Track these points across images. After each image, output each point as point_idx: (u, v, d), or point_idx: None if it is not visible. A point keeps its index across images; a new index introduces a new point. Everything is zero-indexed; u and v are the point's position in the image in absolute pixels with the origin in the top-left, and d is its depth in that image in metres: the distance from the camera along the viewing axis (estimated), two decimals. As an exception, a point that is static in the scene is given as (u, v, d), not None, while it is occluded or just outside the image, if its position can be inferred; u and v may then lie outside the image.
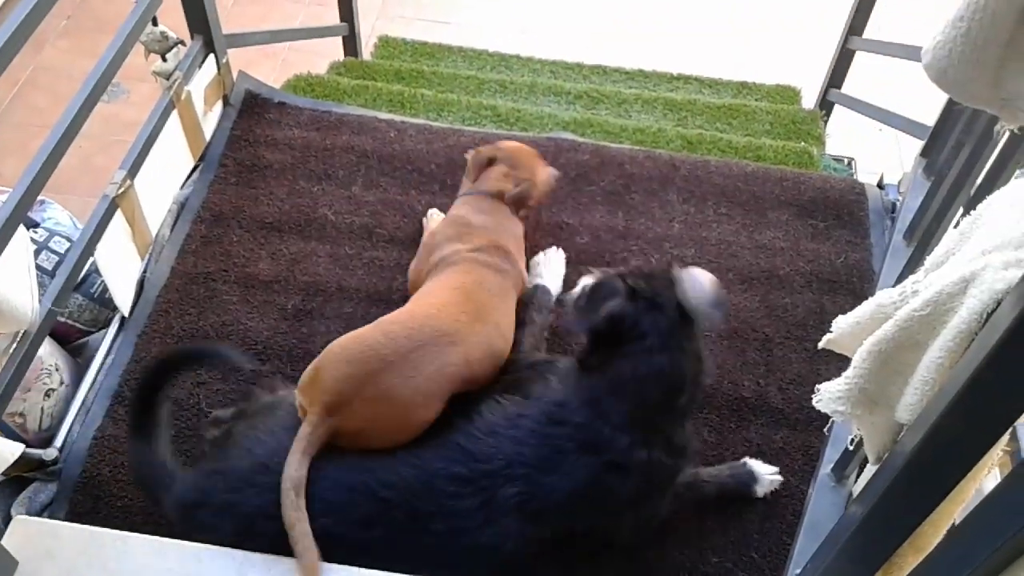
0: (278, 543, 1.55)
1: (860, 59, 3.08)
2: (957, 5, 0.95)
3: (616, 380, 1.65)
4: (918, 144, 2.48)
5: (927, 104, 2.37)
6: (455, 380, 1.75)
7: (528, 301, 2.11)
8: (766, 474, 1.93)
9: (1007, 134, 1.53)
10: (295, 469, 1.58)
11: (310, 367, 1.71)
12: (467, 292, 1.89)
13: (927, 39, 1.00)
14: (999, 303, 0.96)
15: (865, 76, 3.20)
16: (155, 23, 2.27)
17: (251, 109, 2.66)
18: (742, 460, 1.96)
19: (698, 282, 1.66)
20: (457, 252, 1.99)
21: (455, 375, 1.74)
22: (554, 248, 2.29)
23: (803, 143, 2.97)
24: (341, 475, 1.62)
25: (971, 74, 0.97)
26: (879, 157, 2.96)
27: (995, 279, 0.98)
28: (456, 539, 1.59)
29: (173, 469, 1.72)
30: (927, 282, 1.15)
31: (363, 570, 1.56)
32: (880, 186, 2.61)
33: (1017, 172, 1.42)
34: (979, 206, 1.16)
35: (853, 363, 1.21)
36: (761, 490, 1.92)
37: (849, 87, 3.17)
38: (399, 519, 1.59)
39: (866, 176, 2.77)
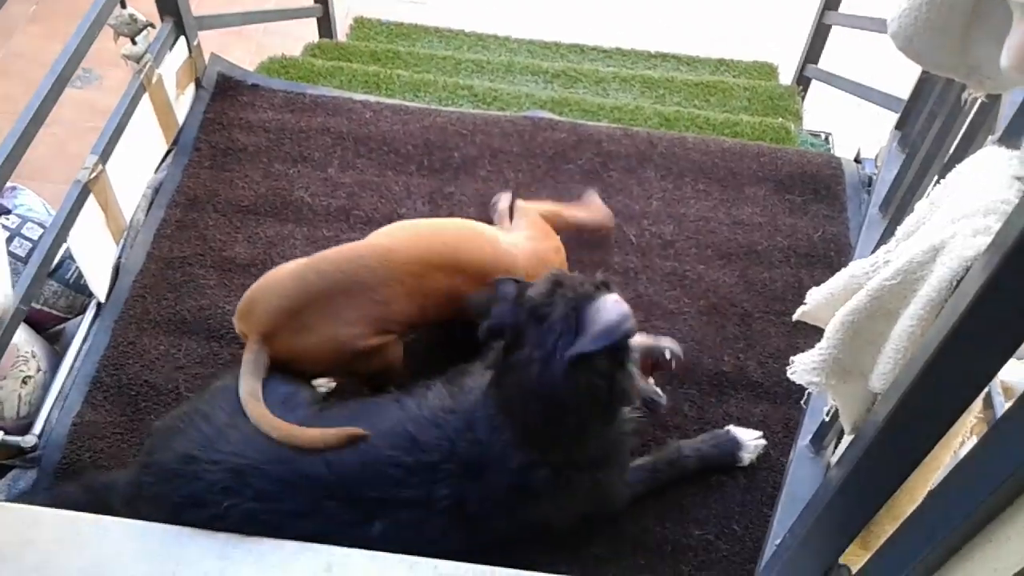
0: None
1: (836, 34, 3.08)
2: (921, -29, 0.95)
3: (504, 394, 1.61)
4: (894, 118, 2.49)
5: (903, 78, 2.38)
6: (380, 319, 1.80)
7: None
8: (750, 440, 1.95)
9: (977, 102, 1.53)
10: (248, 386, 1.68)
11: (246, 295, 1.83)
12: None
13: (892, 7, 1.00)
14: (968, 270, 0.97)
15: (842, 51, 3.21)
16: (124, 5, 2.24)
17: (224, 92, 2.64)
18: (725, 428, 1.97)
19: (599, 307, 1.55)
20: None
21: (379, 315, 1.80)
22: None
23: (780, 119, 2.97)
24: (270, 467, 1.60)
25: (937, 42, 0.97)
26: (857, 132, 2.96)
27: (964, 246, 0.98)
28: (399, 532, 1.59)
29: (108, 481, 1.75)
30: (898, 252, 1.15)
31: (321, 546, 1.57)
32: (857, 160, 2.62)
33: (988, 140, 1.42)
34: (948, 175, 1.17)
35: (826, 334, 1.21)
36: (747, 456, 1.93)
37: (826, 62, 3.17)
38: (340, 511, 1.59)
39: (845, 151, 2.77)
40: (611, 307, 1.54)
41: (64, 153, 3.36)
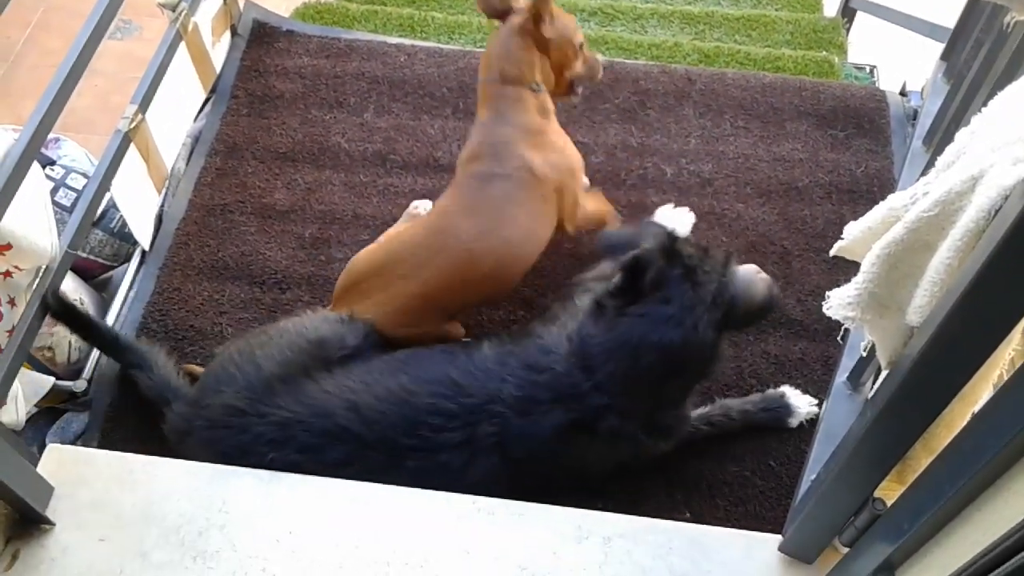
0: None
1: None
2: None
3: (617, 338, 1.58)
4: (941, 49, 2.42)
5: (950, 7, 2.30)
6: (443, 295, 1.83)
7: None
8: (803, 407, 1.92)
9: (1019, 27, 1.48)
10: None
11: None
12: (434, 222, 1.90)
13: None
14: (1007, 199, 0.94)
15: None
16: (158, -47, 2.24)
17: (259, 39, 2.64)
18: (780, 391, 1.94)
19: (750, 281, 1.60)
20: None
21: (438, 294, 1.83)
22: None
23: (824, 52, 2.90)
24: (312, 422, 1.63)
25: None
26: (904, 64, 2.88)
27: (1003, 175, 0.96)
28: (437, 475, 1.61)
29: (177, 386, 1.80)
30: (937, 183, 1.13)
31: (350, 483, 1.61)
32: (903, 93, 2.55)
33: (1032, 67, 1.38)
34: (989, 103, 1.13)
35: (863, 268, 1.20)
36: (795, 421, 1.91)
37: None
38: (378, 459, 1.62)
39: (891, 84, 2.70)
40: (761, 285, 1.61)
41: (107, 104, 3.40)
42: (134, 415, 1.96)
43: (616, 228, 1.93)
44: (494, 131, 1.90)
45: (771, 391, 1.95)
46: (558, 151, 1.93)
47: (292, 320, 1.81)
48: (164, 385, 1.83)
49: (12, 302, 1.76)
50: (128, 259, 2.24)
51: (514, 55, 1.90)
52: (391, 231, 2.05)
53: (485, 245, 1.81)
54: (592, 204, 2.05)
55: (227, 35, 2.60)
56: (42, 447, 1.76)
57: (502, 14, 1.94)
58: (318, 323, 1.77)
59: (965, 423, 1.22)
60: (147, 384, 1.85)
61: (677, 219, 2.12)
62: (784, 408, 1.91)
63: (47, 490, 1.56)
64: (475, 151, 1.91)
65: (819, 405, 1.92)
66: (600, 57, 2.04)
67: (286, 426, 1.62)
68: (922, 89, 2.49)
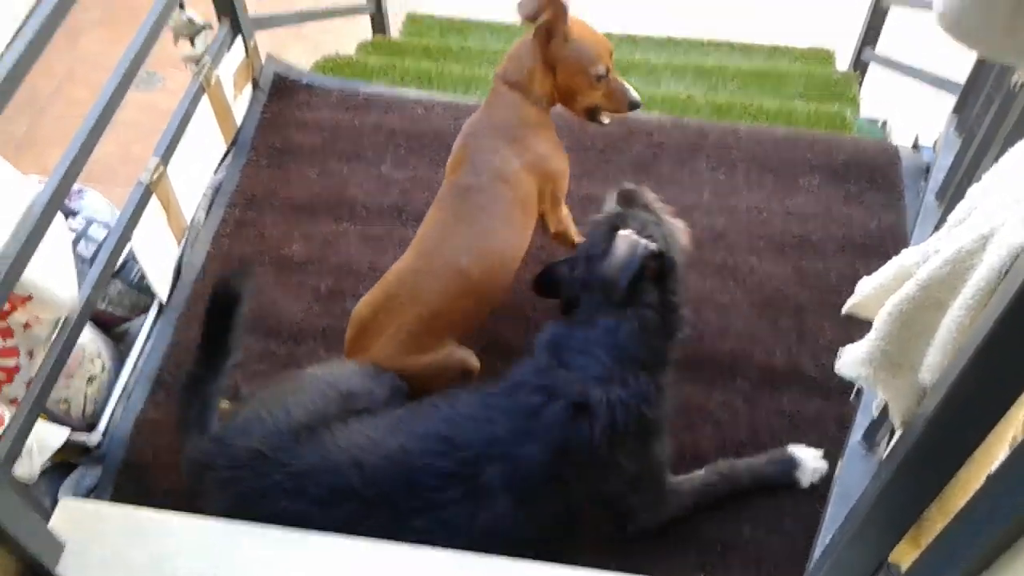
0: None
1: (895, 17, 3.01)
2: (965, -47, 0.92)
3: (580, 328, 1.70)
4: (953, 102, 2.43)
5: (963, 61, 2.32)
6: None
7: None
8: (809, 459, 1.89)
9: (1028, 87, 1.49)
10: None
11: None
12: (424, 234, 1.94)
13: (939, -10, 0.98)
14: (1017, 258, 0.95)
15: (900, 34, 3.13)
16: (182, 8, 2.29)
17: (280, 91, 2.69)
18: (784, 448, 1.92)
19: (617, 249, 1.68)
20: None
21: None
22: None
23: (837, 105, 2.92)
24: (323, 476, 1.63)
25: (983, 22, 0.94)
26: (917, 118, 2.89)
27: (1014, 234, 0.96)
28: (444, 532, 1.60)
29: (207, 418, 1.76)
30: (948, 240, 1.13)
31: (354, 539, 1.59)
32: (915, 147, 2.56)
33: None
34: (1001, 160, 1.14)
35: (875, 325, 1.20)
36: (805, 477, 1.89)
37: (884, 46, 3.10)
38: (382, 519, 1.61)
39: (903, 138, 2.71)
40: (622, 245, 1.67)
41: (129, 155, 3.47)
42: (148, 469, 1.97)
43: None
44: (477, 131, 1.97)
45: (775, 450, 1.93)
46: (538, 155, 1.95)
47: (322, 368, 1.82)
48: (206, 410, 1.79)
49: (31, 354, 1.78)
50: (146, 311, 2.26)
51: (520, 60, 1.94)
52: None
53: (471, 260, 1.85)
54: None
55: (248, 88, 2.65)
56: (55, 501, 1.77)
57: (536, 17, 1.93)
58: (349, 375, 1.78)
59: (980, 485, 1.20)
60: (188, 393, 1.80)
61: None
62: (790, 461, 1.90)
63: (58, 546, 1.55)
64: (457, 156, 1.97)
65: (825, 457, 1.90)
66: (633, 92, 1.99)
67: (301, 477, 1.62)
68: (934, 143, 2.50)
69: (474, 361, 1.94)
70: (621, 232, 1.69)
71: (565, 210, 2.09)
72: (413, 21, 3.89)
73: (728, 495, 1.87)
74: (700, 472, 1.86)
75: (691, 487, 1.84)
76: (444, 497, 1.59)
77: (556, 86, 1.95)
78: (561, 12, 1.87)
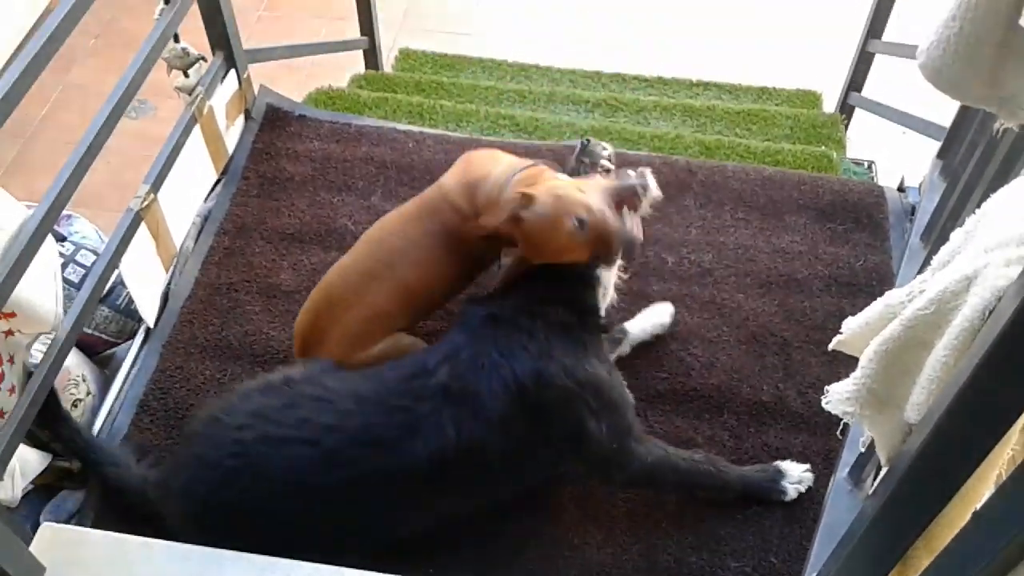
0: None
1: (881, 62, 3.06)
2: (949, 5, 0.95)
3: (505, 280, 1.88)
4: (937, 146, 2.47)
5: (948, 106, 2.36)
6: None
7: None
8: (795, 471, 1.92)
9: (1010, 133, 1.52)
10: None
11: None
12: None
13: (922, 40, 1.01)
14: (1000, 299, 0.96)
15: (886, 79, 3.18)
16: (177, 40, 2.32)
17: (272, 122, 2.71)
18: (773, 463, 1.96)
19: None
20: None
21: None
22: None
23: (823, 147, 2.96)
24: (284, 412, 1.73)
25: (966, 73, 0.97)
26: (903, 160, 2.94)
27: (997, 276, 0.98)
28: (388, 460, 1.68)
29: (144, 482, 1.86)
30: (932, 281, 1.15)
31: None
32: (901, 189, 2.60)
33: (1024, 170, 1.42)
34: (984, 204, 1.16)
35: (860, 363, 1.21)
36: (791, 488, 1.91)
37: (870, 90, 3.15)
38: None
39: (889, 180, 2.75)
40: None
41: (119, 182, 3.45)
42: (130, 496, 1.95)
43: None
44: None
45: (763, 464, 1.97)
46: None
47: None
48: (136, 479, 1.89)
49: (11, 360, 1.77)
50: (132, 336, 2.25)
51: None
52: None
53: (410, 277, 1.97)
54: None
55: (240, 118, 2.66)
56: (36, 525, 1.75)
57: None
58: (286, 369, 1.88)
59: (966, 522, 1.21)
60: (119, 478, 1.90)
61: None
62: (775, 470, 1.93)
63: (38, 570, 1.54)
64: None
65: (776, 453, 1.94)
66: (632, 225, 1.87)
67: (254, 415, 1.72)
68: (920, 185, 2.54)
69: (419, 344, 2.00)
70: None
71: None
72: (406, 56, 3.93)
73: (712, 488, 1.90)
74: (691, 452, 1.89)
75: (678, 456, 1.85)
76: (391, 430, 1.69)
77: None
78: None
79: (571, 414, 1.72)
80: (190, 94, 2.36)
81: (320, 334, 1.96)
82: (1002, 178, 1.62)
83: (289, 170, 2.58)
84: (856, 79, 3.14)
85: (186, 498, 1.73)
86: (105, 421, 2.07)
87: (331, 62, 4.04)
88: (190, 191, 2.41)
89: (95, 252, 2.23)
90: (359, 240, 2.08)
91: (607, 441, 1.74)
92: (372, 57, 3.62)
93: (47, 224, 1.72)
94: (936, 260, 1.23)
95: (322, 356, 1.93)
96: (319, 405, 1.72)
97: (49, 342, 1.84)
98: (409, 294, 1.97)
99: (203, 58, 2.39)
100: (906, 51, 2.82)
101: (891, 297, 1.25)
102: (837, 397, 1.25)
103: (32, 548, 1.56)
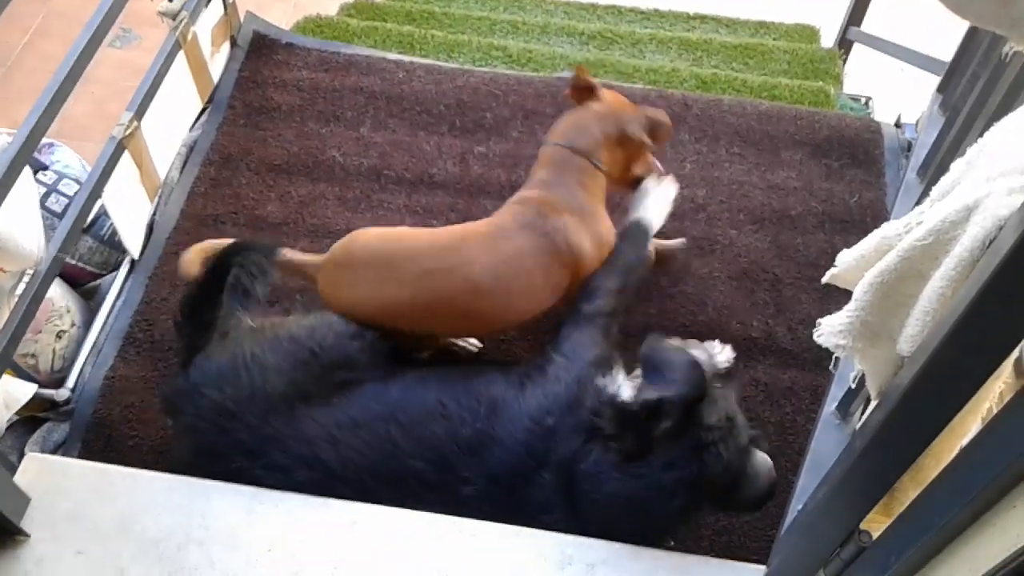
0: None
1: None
2: (960, -82, 0.91)
3: (605, 495, 1.56)
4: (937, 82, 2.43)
5: (948, 41, 2.31)
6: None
7: (621, 234, 1.95)
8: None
9: (1021, 58, 1.48)
10: None
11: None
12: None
13: (932, -43, 0.97)
14: (1002, 229, 0.94)
15: (886, 13, 3.12)
16: (159, -38, 2.24)
17: (259, 50, 2.64)
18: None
19: (760, 475, 1.59)
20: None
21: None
22: (668, 179, 2.06)
23: (820, 83, 2.91)
24: (297, 442, 1.62)
25: (979, -7, 0.94)
26: (900, 97, 2.89)
27: (998, 204, 0.96)
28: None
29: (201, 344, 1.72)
30: (931, 212, 1.13)
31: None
32: (897, 125, 2.56)
33: (1028, 99, 1.38)
34: (985, 134, 1.13)
35: (854, 296, 1.19)
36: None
37: (869, 25, 3.09)
38: (345, 492, 1.61)
39: (887, 116, 2.71)
40: (766, 480, 1.59)
41: (104, 112, 3.40)
42: (116, 427, 1.94)
43: (667, 345, 1.74)
44: (550, 189, 1.88)
45: None
46: (596, 232, 1.89)
47: (306, 327, 1.74)
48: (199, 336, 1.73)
49: (-5, 303, 1.75)
50: (117, 267, 2.22)
51: (591, 133, 1.91)
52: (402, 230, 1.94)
53: (491, 286, 1.77)
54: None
55: (226, 46, 2.60)
56: (21, 456, 1.74)
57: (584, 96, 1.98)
58: (333, 342, 1.72)
59: (953, 456, 1.21)
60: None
61: (719, 356, 2.01)
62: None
63: (23, 500, 1.53)
64: (526, 198, 1.88)
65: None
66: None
67: (266, 441, 1.60)
68: (917, 121, 2.50)
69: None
70: (767, 461, 1.63)
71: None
72: (396, -16, 3.83)
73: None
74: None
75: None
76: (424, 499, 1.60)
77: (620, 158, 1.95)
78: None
79: None
80: (174, 19, 2.29)
81: (358, 282, 1.80)
82: (1005, 108, 1.59)
83: (276, 99, 2.52)
84: (855, 13, 3.07)
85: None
86: (90, 353, 2.06)
87: (320, -9, 3.94)
88: (175, 120, 2.36)
89: (78, 181, 2.18)
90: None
91: None
92: (362, -15, 3.52)
93: (25, 152, 1.68)
94: (935, 191, 1.20)
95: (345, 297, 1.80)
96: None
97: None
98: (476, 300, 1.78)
99: (186, -19, 2.31)
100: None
101: (887, 229, 1.23)
102: (829, 330, 1.23)
103: (17, 478, 1.56)
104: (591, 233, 1.86)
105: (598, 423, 1.57)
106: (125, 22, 4.08)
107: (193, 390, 1.66)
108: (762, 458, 1.61)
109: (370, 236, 1.83)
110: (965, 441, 1.24)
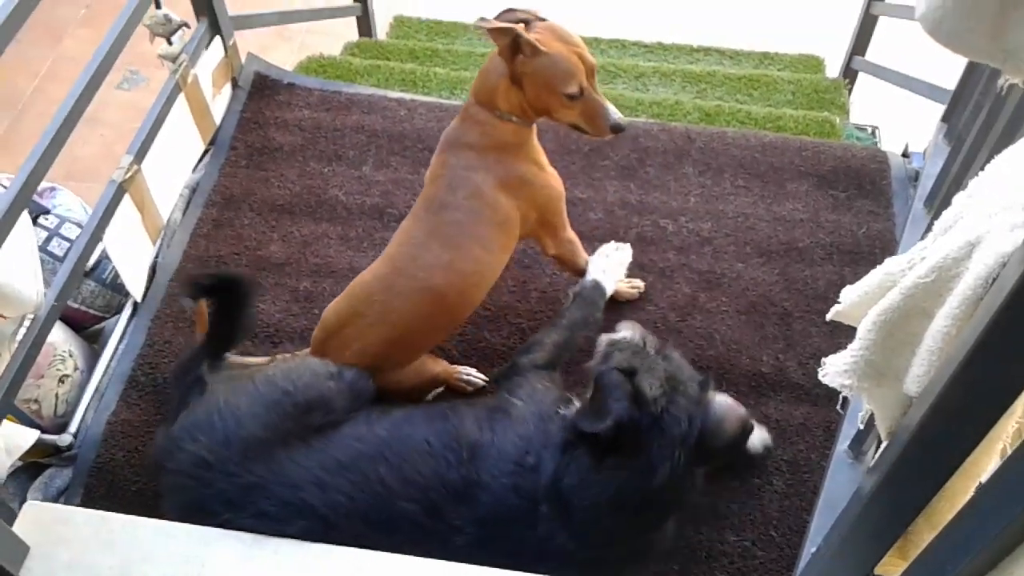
0: None
1: (885, 25, 2.99)
2: (951, -51, 0.89)
3: (595, 495, 1.55)
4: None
5: (953, 69, 2.29)
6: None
7: (574, 294, 2.01)
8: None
9: (1014, 90, 1.46)
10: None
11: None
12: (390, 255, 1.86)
13: (922, -12, 0.95)
14: (1004, 265, 0.91)
15: (890, 43, 3.11)
16: (159, 6, 2.25)
17: (261, 91, 2.65)
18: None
19: (722, 416, 1.58)
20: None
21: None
22: (626, 246, 2.14)
23: (826, 113, 2.89)
24: (283, 488, 1.58)
25: (968, 24, 0.91)
26: (908, 126, 2.87)
27: (1001, 241, 0.93)
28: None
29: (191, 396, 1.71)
30: (934, 248, 1.10)
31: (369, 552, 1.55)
32: (905, 155, 2.54)
33: (1031, 130, 1.36)
34: (987, 167, 1.11)
35: (858, 334, 1.16)
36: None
37: (874, 54, 3.08)
38: (341, 538, 1.57)
39: (894, 145, 2.68)
40: (734, 418, 1.58)
41: (112, 153, 3.41)
42: (119, 472, 1.92)
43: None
44: (453, 145, 1.86)
45: None
46: (515, 176, 1.86)
47: (281, 369, 1.75)
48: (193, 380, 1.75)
49: (-5, 350, 1.74)
50: (120, 310, 2.21)
51: (487, 76, 1.81)
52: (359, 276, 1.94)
53: (443, 280, 1.80)
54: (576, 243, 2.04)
55: (228, 87, 2.61)
56: (23, 502, 1.72)
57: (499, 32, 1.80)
58: (308, 380, 1.71)
59: (968, 497, 1.17)
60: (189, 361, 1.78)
61: (616, 261, 2.10)
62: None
63: (22, 549, 1.51)
64: (435, 169, 1.88)
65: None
66: (615, 114, 1.81)
67: (249, 490, 1.57)
68: (924, 151, 2.48)
69: (446, 369, 1.93)
70: (726, 400, 1.62)
71: (570, 233, 2.00)
72: (400, 23, 3.86)
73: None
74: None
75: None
76: (415, 538, 1.56)
77: (527, 103, 1.81)
78: (526, 23, 1.77)
79: None
80: (174, 62, 2.30)
81: (340, 343, 1.83)
82: (1007, 139, 1.56)
83: (278, 140, 2.52)
84: (859, 42, 3.07)
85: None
86: (92, 398, 2.04)
87: (325, 30, 3.97)
88: (176, 162, 2.36)
89: (80, 225, 2.18)
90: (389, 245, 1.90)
91: None
92: (365, 24, 3.56)
93: (24, 197, 1.68)
94: (938, 225, 1.17)
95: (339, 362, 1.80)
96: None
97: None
98: (438, 301, 1.81)
99: (186, 24, 2.32)
100: (909, 13, 2.72)
101: (891, 265, 1.20)
102: (834, 369, 1.20)
103: (16, 527, 1.53)
104: (508, 178, 1.84)
105: (570, 441, 1.58)
106: (133, 64, 4.12)
107: (172, 446, 1.63)
108: (721, 400, 1.61)
109: (333, 304, 1.89)
110: (981, 480, 1.21)
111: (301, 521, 1.56)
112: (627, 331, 1.76)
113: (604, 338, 1.74)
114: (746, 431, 1.61)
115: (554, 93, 1.77)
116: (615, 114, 1.81)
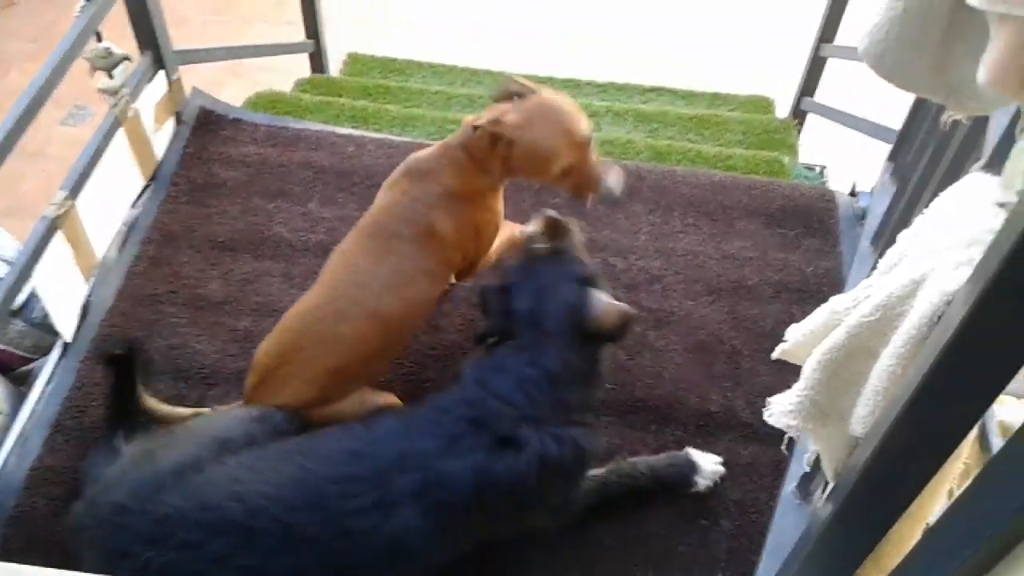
0: None
1: (834, 66, 3.03)
2: (891, -16, 0.88)
3: (498, 361, 1.61)
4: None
5: (901, 110, 2.32)
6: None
7: None
8: (708, 464, 1.87)
9: (959, 126, 1.46)
10: None
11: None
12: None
13: (864, 24, 0.93)
14: (949, 304, 0.89)
15: (839, 84, 3.15)
16: (100, 39, 2.20)
17: (205, 126, 2.59)
18: (684, 449, 1.90)
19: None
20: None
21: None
22: None
23: (775, 152, 2.91)
24: (199, 511, 1.50)
25: (910, 58, 0.90)
26: (855, 165, 2.90)
27: (945, 279, 0.91)
28: (345, 544, 1.49)
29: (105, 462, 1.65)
30: (878, 286, 1.08)
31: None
32: (852, 194, 2.55)
33: (974, 167, 1.35)
34: (931, 204, 1.09)
35: (803, 374, 1.14)
36: (703, 481, 1.86)
37: (823, 95, 3.11)
38: (269, 541, 1.48)
39: (842, 185, 2.70)
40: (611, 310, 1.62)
41: (54, 189, 3.32)
42: (40, 522, 1.83)
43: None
44: (417, 177, 1.83)
45: (675, 452, 1.90)
46: (478, 227, 1.88)
47: (201, 419, 1.70)
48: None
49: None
50: (50, 351, 2.12)
51: (480, 138, 1.77)
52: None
53: (391, 308, 1.75)
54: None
55: (171, 122, 2.55)
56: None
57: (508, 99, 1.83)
58: (228, 421, 1.65)
59: (917, 540, 1.14)
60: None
61: None
62: (688, 465, 1.87)
63: (-74, 607, 1.42)
64: (390, 196, 1.85)
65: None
66: (611, 188, 1.82)
67: (165, 522, 1.48)
68: (871, 190, 2.50)
69: (392, 400, 1.86)
70: (600, 296, 1.63)
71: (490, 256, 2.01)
72: (354, 61, 3.83)
73: (628, 493, 1.83)
74: (600, 471, 1.81)
75: (589, 486, 1.78)
76: (350, 505, 1.49)
77: (514, 172, 1.81)
78: (519, 95, 1.78)
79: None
80: (114, 96, 2.24)
81: (278, 382, 1.74)
82: (952, 177, 1.56)
83: (221, 175, 2.46)
84: (808, 84, 3.10)
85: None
86: (16, 442, 1.94)
87: (278, 67, 3.93)
88: (114, 197, 2.29)
89: (9, 263, 2.10)
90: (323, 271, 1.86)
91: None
92: (318, 61, 3.53)
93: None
94: (882, 263, 1.16)
95: (278, 402, 1.72)
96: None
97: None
98: (384, 328, 1.77)
99: (127, 58, 2.27)
100: (857, 55, 2.78)
101: (836, 303, 1.18)
102: (780, 409, 1.17)
103: (-79, 583, 1.44)
104: (463, 222, 1.83)
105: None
106: (80, 99, 4.05)
107: (89, 506, 1.55)
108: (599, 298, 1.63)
109: (263, 345, 1.80)
110: (929, 522, 1.18)
111: (221, 539, 1.47)
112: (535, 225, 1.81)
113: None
114: (626, 324, 1.62)
115: (539, 174, 1.79)
116: (612, 186, 1.82)
